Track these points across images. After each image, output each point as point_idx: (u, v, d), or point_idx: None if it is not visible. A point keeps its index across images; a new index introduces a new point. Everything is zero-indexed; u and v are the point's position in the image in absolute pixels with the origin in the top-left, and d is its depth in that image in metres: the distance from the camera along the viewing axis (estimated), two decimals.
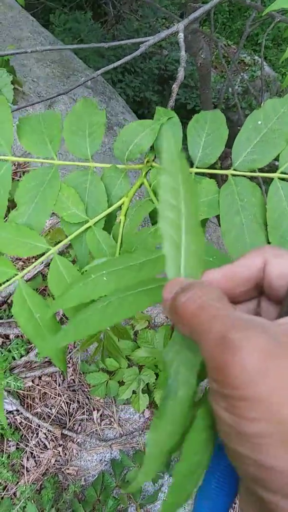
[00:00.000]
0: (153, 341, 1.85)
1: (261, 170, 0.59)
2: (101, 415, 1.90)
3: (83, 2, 4.59)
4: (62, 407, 1.86)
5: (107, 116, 2.70)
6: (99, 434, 1.88)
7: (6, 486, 1.75)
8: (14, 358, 1.80)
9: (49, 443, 1.82)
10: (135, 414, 1.93)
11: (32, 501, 1.70)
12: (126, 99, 3.94)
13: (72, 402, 1.87)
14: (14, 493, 1.74)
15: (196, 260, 0.33)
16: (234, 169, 0.59)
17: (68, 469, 1.81)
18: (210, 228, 2.66)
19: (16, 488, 1.74)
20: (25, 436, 1.80)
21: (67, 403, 1.86)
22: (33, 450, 1.79)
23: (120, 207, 0.64)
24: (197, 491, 0.31)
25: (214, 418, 0.28)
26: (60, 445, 1.82)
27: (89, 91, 2.77)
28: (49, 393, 1.85)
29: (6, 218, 0.64)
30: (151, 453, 0.28)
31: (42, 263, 1.71)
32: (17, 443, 1.79)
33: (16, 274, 0.60)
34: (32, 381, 1.84)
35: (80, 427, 1.88)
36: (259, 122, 0.59)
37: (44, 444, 1.82)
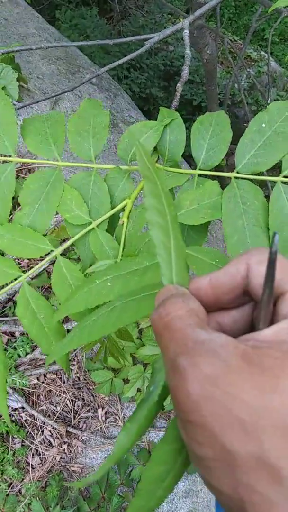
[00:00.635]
0: None
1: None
2: (106, 413, 1.90)
3: None
4: (67, 404, 1.86)
5: (112, 112, 2.70)
6: (104, 432, 1.89)
7: (11, 483, 1.76)
8: (19, 356, 1.81)
9: (54, 440, 1.82)
10: None
11: (37, 498, 1.71)
12: (132, 95, 3.93)
13: (77, 400, 1.88)
14: (20, 490, 1.75)
15: (182, 264, 0.33)
16: (237, 172, 0.59)
17: (73, 466, 1.82)
18: (216, 226, 2.65)
19: (21, 485, 1.75)
20: (30, 433, 1.81)
21: (72, 400, 1.87)
22: (38, 448, 1.80)
23: (123, 209, 0.64)
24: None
25: None
26: (65, 443, 1.83)
27: (94, 88, 2.76)
28: (54, 390, 1.85)
29: (12, 215, 0.64)
30: (115, 453, 0.29)
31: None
32: (23, 441, 1.80)
33: (20, 276, 0.60)
34: (37, 379, 1.85)
35: (85, 424, 1.88)
36: (263, 125, 0.58)
37: (49, 441, 1.82)
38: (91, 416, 1.89)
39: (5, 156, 0.64)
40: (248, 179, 0.59)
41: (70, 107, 2.46)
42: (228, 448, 0.22)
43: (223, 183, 0.59)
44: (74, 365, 1.89)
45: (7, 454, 1.76)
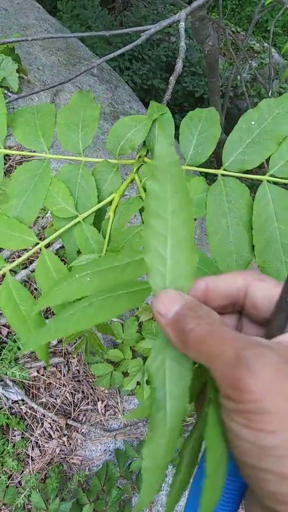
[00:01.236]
0: (158, 332, 1.84)
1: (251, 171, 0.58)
2: (105, 406, 1.91)
3: None
4: (67, 397, 1.87)
5: (113, 104, 2.68)
6: (104, 425, 1.89)
7: (11, 475, 1.77)
8: (19, 348, 1.81)
9: (54, 433, 1.83)
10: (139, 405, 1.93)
11: (37, 490, 1.71)
12: (134, 86, 3.91)
13: (76, 393, 1.88)
14: (19, 482, 1.76)
15: (185, 273, 0.33)
16: (224, 169, 0.58)
17: (72, 458, 1.83)
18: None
19: (21, 477, 1.76)
20: (30, 425, 1.82)
21: (71, 393, 1.87)
22: (38, 440, 1.81)
23: (110, 203, 0.63)
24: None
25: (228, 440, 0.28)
26: (64, 435, 1.84)
27: (95, 79, 2.75)
28: (54, 383, 1.86)
29: None
30: (148, 468, 0.29)
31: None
32: (22, 433, 1.80)
33: (4, 266, 0.60)
34: (37, 371, 1.85)
35: (84, 417, 1.89)
36: (253, 122, 0.57)
37: (49, 433, 1.83)
38: (91, 409, 1.89)
39: None
40: (235, 176, 0.58)
41: (70, 98, 2.45)
42: None
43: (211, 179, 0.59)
44: (74, 357, 1.90)
45: (7, 446, 1.77)
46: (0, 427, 1.79)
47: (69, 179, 0.64)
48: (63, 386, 1.87)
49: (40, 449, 1.81)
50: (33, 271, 1.82)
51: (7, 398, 1.80)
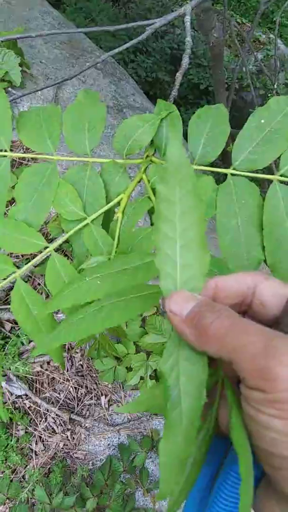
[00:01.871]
0: (161, 327, 1.84)
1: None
2: (109, 400, 1.91)
3: None
4: (70, 392, 1.87)
5: (117, 98, 2.67)
6: (107, 419, 1.90)
7: (15, 469, 1.78)
8: (22, 343, 1.81)
9: (57, 427, 1.84)
10: None
11: (41, 484, 1.72)
12: (138, 79, 3.89)
13: (80, 387, 1.89)
14: (23, 476, 1.77)
15: (196, 274, 0.33)
16: (234, 168, 0.57)
17: (76, 453, 1.84)
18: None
19: (25, 471, 1.77)
20: (33, 420, 1.83)
21: (75, 388, 1.88)
22: (41, 434, 1.81)
23: (118, 204, 0.63)
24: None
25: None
26: (68, 430, 1.84)
27: (98, 73, 2.73)
28: (58, 378, 1.87)
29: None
30: (165, 463, 0.29)
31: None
32: (26, 427, 1.81)
33: (14, 271, 0.59)
34: (41, 366, 1.86)
35: (88, 412, 1.89)
36: (262, 121, 0.56)
37: (53, 428, 1.84)
38: (94, 404, 1.90)
39: (0, 151, 0.63)
40: (245, 176, 0.57)
41: (74, 92, 2.44)
42: None
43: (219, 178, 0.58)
44: (77, 352, 1.90)
45: (11, 440, 1.78)
46: (3, 422, 1.79)
47: (77, 180, 0.63)
48: (66, 381, 1.87)
49: (43, 444, 1.82)
50: (36, 266, 1.82)
51: (11, 393, 1.81)
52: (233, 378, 0.33)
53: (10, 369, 1.76)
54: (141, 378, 1.84)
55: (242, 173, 0.57)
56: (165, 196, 0.32)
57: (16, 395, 1.81)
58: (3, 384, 1.79)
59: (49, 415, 1.84)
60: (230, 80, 3.49)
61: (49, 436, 1.82)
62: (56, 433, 1.83)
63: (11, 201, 1.46)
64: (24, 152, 1.92)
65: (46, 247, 0.60)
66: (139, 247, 0.56)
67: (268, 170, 0.57)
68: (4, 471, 1.75)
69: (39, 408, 1.83)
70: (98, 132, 0.65)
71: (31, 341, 1.82)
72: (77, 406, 1.87)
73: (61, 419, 1.84)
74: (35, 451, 1.80)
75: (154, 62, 4.20)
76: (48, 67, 2.52)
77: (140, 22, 1.04)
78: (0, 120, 0.63)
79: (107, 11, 4.12)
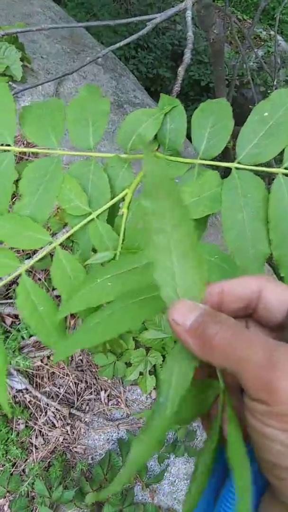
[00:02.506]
0: (161, 323, 1.85)
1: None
2: (108, 396, 1.92)
3: None
4: (70, 386, 1.88)
5: (117, 93, 2.67)
6: (107, 414, 1.91)
7: (15, 463, 1.79)
8: (23, 338, 1.82)
9: (57, 421, 1.84)
10: (142, 395, 1.94)
11: (41, 478, 1.74)
12: (139, 75, 3.88)
13: (80, 382, 1.89)
14: (23, 470, 1.78)
15: (195, 281, 0.33)
16: (239, 162, 0.58)
17: (75, 447, 1.85)
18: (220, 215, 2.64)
19: (25, 465, 1.78)
20: (34, 414, 1.83)
21: (75, 383, 1.89)
22: (41, 428, 1.82)
23: (123, 199, 0.63)
24: None
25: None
26: (68, 424, 1.85)
27: (99, 68, 2.72)
28: (58, 372, 1.87)
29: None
30: (131, 464, 0.29)
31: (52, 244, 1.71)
32: (26, 421, 1.82)
33: (19, 267, 0.59)
34: (41, 361, 1.86)
35: (87, 406, 1.90)
36: (266, 114, 0.56)
37: (53, 422, 1.85)
38: (94, 398, 1.91)
39: (2, 145, 0.63)
40: (249, 170, 0.57)
41: (74, 87, 2.43)
42: None
43: (224, 172, 0.59)
44: None
45: (11, 434, 1.79)
46: (4, 416, 1.80)
47: (81, 175, 0.63)
48: (66, 376, 1.88)
49: (43, 438, 1.83)
50: (38, 260, 1.82)
51: (11, 387, 1.81)
52: (237, 388, 0.33)
53: (10, 363, 1.77)
54: (141, 373, 1.84)
55: (247, 167, 0.58)
56: (154, 210, 0.31)
57: (16, 389, 1.82)
58: None
59: (49, 409, 1.84)
60: (230, 77, 3.48)
61: (49, 430, 1.83)
62: (56, 427, 1.84)
63: (13, 196, 1.46)
64: (26, 147, 1.92)
65: (51, 243, 0.60)
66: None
67: (268, 165, 0.57)
68: (4, 465, 1.76)
69: (39, 403, 1.84)
70: (102, 127, 0.65)
71: (32, 335, 1.83)
72: (77, 401, 1.88)
73: (61, 414, 1.84)
74: (35, 445, 1.81)
75: (155, 58, 4.19)
76: (49, 62, 2.51)
77: (140, 17, 1.04)
78: (4, 114, 0.62)
79: (108, 7, 4.12)
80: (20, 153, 1.97)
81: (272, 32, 4.96)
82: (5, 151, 0.63)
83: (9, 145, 0.63)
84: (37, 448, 1.81)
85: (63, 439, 1.84)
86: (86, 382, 1.90)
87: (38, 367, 1.86)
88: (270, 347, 0.27)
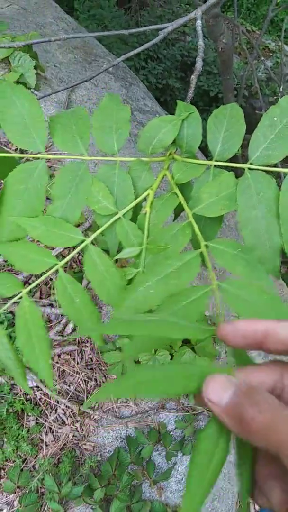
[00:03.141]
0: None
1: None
2: None
3: None
4: (80, 384, 1.92)
5: (128, 101, 2.73)
6: (115, 412, 1.95)
7: (25, 459, 1.83)
8: None
9: (67, 419, 1.88)
10: None
11: (50, 474, 1.77)
12: (149, 86, 3.95)
13: (89, 380, 1.93)
14: (33, 466, 1.82)
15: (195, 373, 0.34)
16: (251, 163, 0.63)
17: (85, 444, 1.88)
18: (229, 214, 2.69)
19: (35, 461, 1.81)
20: (44, 411, 1.87)
21: (85, 380, 1.92)
22: (51, 425, 1.86)
23: (145, 199, 0.69)
24: None
25: None
26: (77, 421, 1.89)
27: (110, 77, 2.79)
28: (68, 370, 1.91)
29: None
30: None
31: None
32: (37, 418, 1.86)
33: (56, 264, 0.64)
34: (52, 359, 1.90)
35: (97, 404, 1.94)
36: (275, 118, 0.62)
37: (63, 419, 1.88)
38: None
39: (37, 153, 0.68)
40: (261, 170, 0.62)
41: (87, 95, 2.50)
42: None
43: (238, 173, 0.64)
44: (87, 346, 1.95)
45: (22, 431, 1.82)
46: (15, 413, 1.84)
47: (107, 178, 0.69)
48: (76, 374, 1.92)
49: (53, 435, 1.86)
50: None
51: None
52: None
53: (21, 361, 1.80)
54: None
55: (259, 168, 0.63)
56: None
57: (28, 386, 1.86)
58: None
59: (59, 406, 1.88)
60: (239, 87, 3.54)
61: (59, 427, 1.86)
62: (65, 425, 1.87)
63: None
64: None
65: (83, 241, 0.65)
66: (175, 242, 0.61)
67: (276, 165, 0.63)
68: (15, 461, 1.80)
69: (49, 400, 1.88)
70: (125, 133, 0.70)
71: None
72: (87, 399, 1.91)
73: (71, 411, 1.88)
74: (45, 441, 1.84)
75: (164, 69, 4.26)
76: (61, 71, 2.58)
77: (152, 26, 1.09)
78: (35, 124, 0.67)
79: (119, 19, 4.19)
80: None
81: (280, 43, 5.03)
82: (38, 158, 0.68)
83: (41, 153, 0.68)
84: (47, 445, 1.84)
85: (73, 436, 1.87)
86: (96, 380, 1.94)
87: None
88: None
